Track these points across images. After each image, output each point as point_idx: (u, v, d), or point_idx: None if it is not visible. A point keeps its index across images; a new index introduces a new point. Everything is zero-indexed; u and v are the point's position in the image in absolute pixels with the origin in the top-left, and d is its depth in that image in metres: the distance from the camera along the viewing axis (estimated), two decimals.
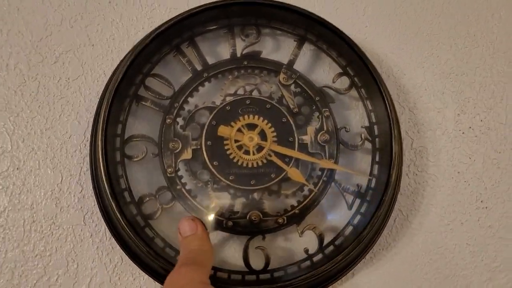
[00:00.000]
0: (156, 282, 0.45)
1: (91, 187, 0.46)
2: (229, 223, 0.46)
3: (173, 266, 0.39)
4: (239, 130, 0.47)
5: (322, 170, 0.48)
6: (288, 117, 0.48)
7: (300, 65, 0.51)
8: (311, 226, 0.47)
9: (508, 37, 0.56)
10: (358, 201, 0.48)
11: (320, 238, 0.47)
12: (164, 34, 0.46)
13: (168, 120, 0.47)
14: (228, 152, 0.46)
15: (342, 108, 0.51)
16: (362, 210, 0.48)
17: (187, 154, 0.46)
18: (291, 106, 0.49)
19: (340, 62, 0.51)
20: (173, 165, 0.46)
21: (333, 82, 0.50)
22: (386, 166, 0.46)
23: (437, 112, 0.54)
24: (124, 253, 0.45)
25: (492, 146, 0.54)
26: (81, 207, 0.47)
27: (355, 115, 0.52)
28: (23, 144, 0.47)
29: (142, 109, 0.48)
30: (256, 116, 0.47)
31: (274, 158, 0.47)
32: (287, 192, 0.48)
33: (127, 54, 0.48)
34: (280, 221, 0.47)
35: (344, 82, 0.50)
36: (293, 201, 0.48)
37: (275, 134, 0.47)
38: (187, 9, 0.46)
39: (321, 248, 0.47)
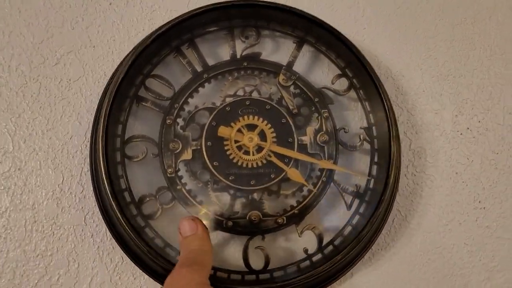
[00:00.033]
0: (156, 282, 0.45)
1: (91, 188, 0.46)
2: (229, 223, 0.46)
3: (173, 266, 0.39)
4: (239, 130, 0.47)
5: (321, 170, 0.49)
6: (288, 118, 0.48)
7: (299, 67, 0.51)
8: (311, 226, 0.47)
9: (505, 39, 0.57)
10: (357, 201, 0.48)
11: (320, 238, 0.47)
12: (165, 35, 0.46)
13: (168, 121, 0.47)
14: (228, 153, 0.47)
15: (341, 109, 0.52)
16: (361, 210, 0.48)
17: (187, 155, 0.47)
18: (291, 107, 0.49)
19: (339, 64, 0.51)
20: (173, 166, 0.46)
21: (332, 83, 0.50)
22: (385, 167, 0.46)
23: (435, 113, 0.54)
24: (124, 253, 0.45)
25: (490, 147, 0.54)
26: (82, 207, 0.47)
27: (354, 116, 0.52)
28: (25, 145, 0.47)
29: (143, 109, 0.48)
30: (256, 117, 0.48)
31: (274, 159, 0.47)
32: (287, 192, 0.48)
33: (127, 55, 0.49)
34: (279, 221, 0.47)
35: (343, 83, 0.51)
36: (292, 201, 0.48)
37: (274, 134, 0.47)
38: (187, 10, 0.47)
39: (321, 248, 0.47)
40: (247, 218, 0.46)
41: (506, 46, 0.56)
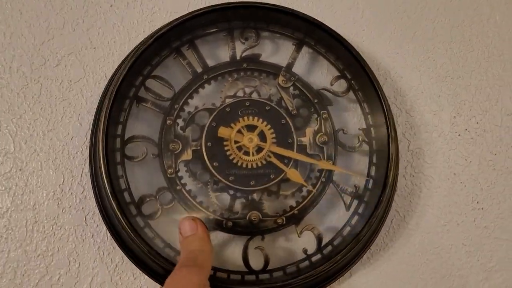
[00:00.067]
0: (156, 282, 0.46)
1: (92, 188, 0.46)
2: (228, 223, 0.46)
3: (173, 266, 0.39)
4: (239, 131, 0.47)
5: (320, 171, 0.49)
6: (287, 119, 0.48)
7: (298, 68, 0.51)
8: (310, 227, 0.47)
9: (503, 41, 0.57)
10: (355, 202, 0.49)
11: (319, 238, 0.47)
12: (165, 37, 0.46)
13: (169, 121, 0.47)
14: (228, 153, 0.47)
15: (340, 110, 0.52)
16: (360, 210, 0.48)
17: (187, 155, 0.47)
18: (290, 108, 0.49)
19: (338, 65, 0.51)
20: (173, 166, 0.46)
21: (331, 85, 0.51)
22: (383, 168, 0.46)
23: (433, 115, 0.54)
24: (124, 253, 0.45)
25: (488, 148, 0.54)
26: (83, 208, 0.47)
27: (352, 117, 0.52)
28: (26, 146, 0.48)
29: (143, 110, 0.48)
30: (256, 118, 0.48)
31: (273, 159, 0.47)
32: (286, 193, 0.48)
33: (127, 56, 0.49)
34: (279, 221, 0.47)
35: (342, 85, 0.51)
36: (292, 202, 0.48)
37: (274, 135, 0.48)
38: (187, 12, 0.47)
39: (320, 248, 0.47)
40: (247, 218, 0.46)
41: (504, 48, 0.57)
